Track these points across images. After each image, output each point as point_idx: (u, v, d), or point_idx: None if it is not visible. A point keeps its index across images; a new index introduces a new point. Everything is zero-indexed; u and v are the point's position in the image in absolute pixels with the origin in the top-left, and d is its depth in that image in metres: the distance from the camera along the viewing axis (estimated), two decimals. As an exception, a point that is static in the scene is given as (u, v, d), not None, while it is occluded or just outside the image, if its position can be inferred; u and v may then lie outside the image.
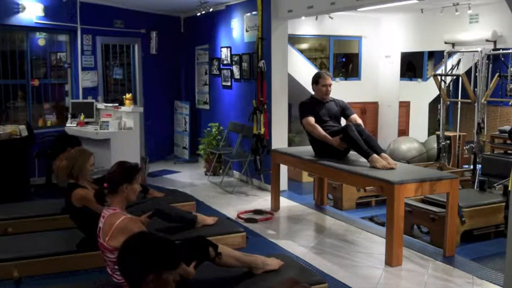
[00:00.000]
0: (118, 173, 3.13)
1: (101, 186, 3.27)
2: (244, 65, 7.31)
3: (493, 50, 7.05)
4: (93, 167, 4.37)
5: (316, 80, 5.25)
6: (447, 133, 7.52)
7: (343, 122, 5.34)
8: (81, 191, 4.08)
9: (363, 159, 4.83)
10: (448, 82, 7.63)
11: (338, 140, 4.90)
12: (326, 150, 5.06)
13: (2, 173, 6.28)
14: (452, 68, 7.22)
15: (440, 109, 7.40)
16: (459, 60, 7.28)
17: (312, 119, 5.11)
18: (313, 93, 5.37)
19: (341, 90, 8.01)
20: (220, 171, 7.92)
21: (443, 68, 7.26)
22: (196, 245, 3.19)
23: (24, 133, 6.65)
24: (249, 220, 5.59)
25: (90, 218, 3.91)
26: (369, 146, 4.73)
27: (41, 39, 7.71)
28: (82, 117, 7.41)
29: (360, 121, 5.17)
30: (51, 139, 7.50)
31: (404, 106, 9.72)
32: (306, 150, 5.63)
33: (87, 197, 3.94)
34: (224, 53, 7.92)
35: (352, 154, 5.09)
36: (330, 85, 5.21)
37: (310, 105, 5.21)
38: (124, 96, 7.64)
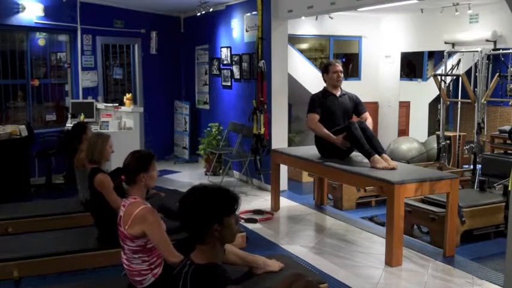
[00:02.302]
0: (133, 163, 3.14)
1: (119, 179, 3.29)
2: (244, 65, 7.31)
3: (493, 50, 7.05)
4: (112, 149, 4.38)
5: (326, 68, 5.16)
6: (447, 133, 7.52)
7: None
8: (102, 176, 4.10)
9: (363, 160, 4.82)
10: (448, 82, 7.63)
11: (341, 139, 4.88)
12: (329, 149, 5.03)
13: (2, 173, 6.28)
14: (452, 68, 7.22)
15: (440, 109, 7.39)
16: (459, 60, 7.28)
17: (316, 117, 5.04)
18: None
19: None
20: (220, 171, 7.92)
21: (443, 68, 7.26)
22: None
23: (24, 133, 6.65)
24: (249, 220, 5.59)
25: (106, 205, 3.98)
26: (371, 145, 4.71)
27: (41, 39, 7.71)
28: (82, 117, 7.42)
29: (370, 120, 5.13)
30: (51, 139, 7.52)
31: (404, 106, 9.72)
32: (306, 150, 5.64)
33: (105, 183, 3.98)
34: (224, 53, 7.92)
35: (355, 155, 5.08)
36: (341, 71, 5.12)
37: (321, 100, 5.09)
38: (124, 96, 7.65)
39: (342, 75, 5.12)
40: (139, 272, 3.05)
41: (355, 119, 5.18)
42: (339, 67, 5.13)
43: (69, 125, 7.38)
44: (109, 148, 4.30)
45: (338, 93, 5.16)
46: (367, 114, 5.21)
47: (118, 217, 3.14)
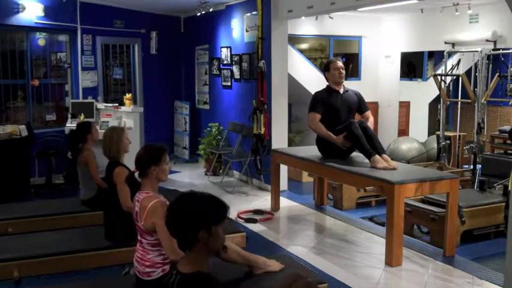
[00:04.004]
0: (144, 156, 3.19)
1: (130, 172, 3.33)
2: (244, 65, 7.31)
3: (493, 50, 7.05)
4: (129, 139, 4.38)
5: (327, 67, 5.14)
6: (447, 133, 7.52)
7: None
8: (118, 169, 4.11)
9: (363, 160, 4.82)
10: (448, 82, 7.62)
11: (341, 139, 4.87)
12: (330, 148, 5.02)
13: (2, 173, 6.28)
14: (452, 68, 7.22)
15: (440, 109, 7.39)
16: (459, 60, 7.27)
17: (316, 116, 5.02)
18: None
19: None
20: (220, 171, 7.92)
21: (443, 68, 7.26)
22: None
23: (24, 133, 6.65)
24: (249, 220, 5.58)
25: (116, 200, 3.99)
26: (371, 145, 4.70)
27: (41, 39, 7.71)
28: (82, 117, 7.41)
29: (371, 119, 5.12)
30: (51, 139, 7.51)
31: (404, 106, 9.71)
32: (306, 150, 5.64)
33: (121, 175, 3.99)
34: (224, 53, 7.92)
35: (355, 155, 5.08)
36: (343, 68, 5.11)
37: (324, 99, 5.06)
38: (124, 96, 7.65)
39: (343, 71, 5.10)
40: (153, 264, 3.08)
41: (357, 117, 5.18)
42: (340, 64, 5.11)
43: (69, 125, 7.38)
44: (126, 140, 4.32)
45: (341, 90, 5.14)
46: (369, 113, 5.19)
47: (134, 213, 3.18)
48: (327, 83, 5.20)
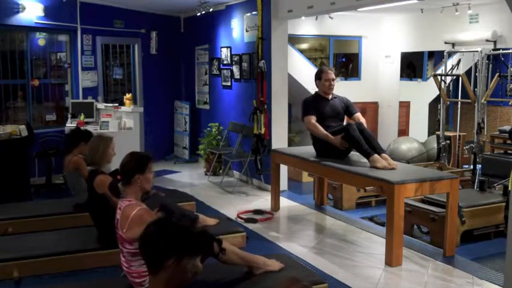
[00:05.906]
0: (129, 164, 3.14)
1: (115, 179, 3.29)
2: (244, 65, 7.31)
3: (493, 50, 7.05)
4: (114, 151, 4.35)
5: (319, 75, 5.24)
6: (447, 133, 7.52)
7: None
8: (103, 177, 4.09)
9: (363, 160, 4.83)
10: (448, 82, 7.63)
11: (339, 139, 4.89)
12: (328, 150, 5.04)
13: (2, 173, 6.28)
14: (452, 68, 7.22)
15: (440, 109, 7.39)
16: (459, 60, 7.28)
17: (313, 118, 5.09)
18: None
19: (341, 91, 7.98)
20: (220, 171, 7.92)
21: (443, 68, 7.26)
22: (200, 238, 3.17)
23: (24, 133, 6.65)
24: (249, 220, 5.58)
25: (107, 207, 3.94)
26: (370, 146, 4.72)
27: (41, 39, 7.71)
28: (82, 117, 7.42)
29: (363, 120, 5.15)
30: (51, 139, 7.51)
31: (404, 106, 9.72)
32: (306, 150, 5.63)
33: (107, 183, 3.96)
34: (224, 53, 7.92)
35: (353, 154, 5.09)
36: (333, 79, 5.19)
37: (313, 103, 5.19)
38: (124, 96, 7.65)
39: (333, 83, 5.21)
40: (140, 274, 3.04)
41: (348, 120, 5.22)
42: (332, 75, 5.20)
43: (69, 125, 7.39)
44: (111, 151, 4.29)
45: (329, 97, 5.24)
46: (359, 115, 5.26)
47: (115, 220, 3.13)
48: (316, 90, 5.29)
